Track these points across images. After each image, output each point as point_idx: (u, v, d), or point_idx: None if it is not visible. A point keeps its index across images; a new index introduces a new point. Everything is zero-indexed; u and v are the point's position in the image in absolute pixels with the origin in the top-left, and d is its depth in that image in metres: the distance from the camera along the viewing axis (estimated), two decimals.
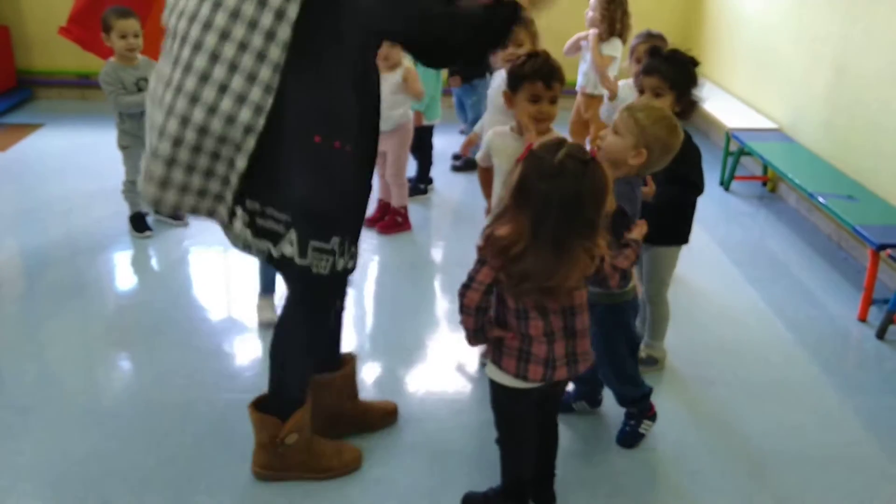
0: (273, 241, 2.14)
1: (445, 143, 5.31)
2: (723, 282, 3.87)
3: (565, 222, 1.90)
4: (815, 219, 4.55)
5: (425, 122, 4.67)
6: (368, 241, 4.12)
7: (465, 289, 2.02)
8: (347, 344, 3.23)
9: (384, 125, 4.16)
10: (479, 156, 2.93)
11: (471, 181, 4.64)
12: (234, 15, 1.97)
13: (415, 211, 4.45)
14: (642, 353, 3.08)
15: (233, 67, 1.98)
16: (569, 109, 4.85)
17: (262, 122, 2.01)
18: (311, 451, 2.43)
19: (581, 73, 4.83)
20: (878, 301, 3.54)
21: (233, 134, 2.02)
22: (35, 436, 2.60)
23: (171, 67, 2.06)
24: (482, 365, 2.95)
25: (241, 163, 2.05)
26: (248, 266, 3.86)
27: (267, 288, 3.43)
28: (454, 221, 4.51)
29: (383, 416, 2.71)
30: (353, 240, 2.24)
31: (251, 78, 1.99)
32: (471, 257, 2.03)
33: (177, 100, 2.02)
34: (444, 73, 5.02)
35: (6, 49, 6.31)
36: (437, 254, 3.93)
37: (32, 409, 2.73)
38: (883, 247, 3.43)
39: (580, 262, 1.96)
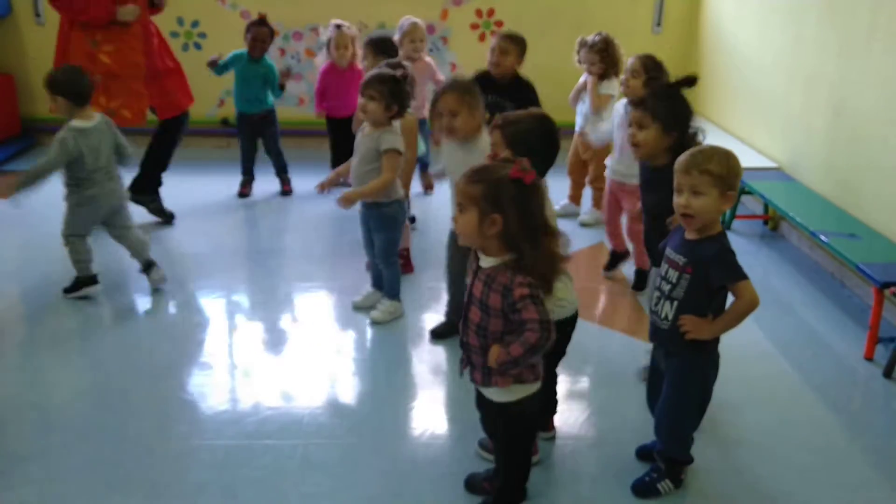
0: None
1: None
2: None
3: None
4: (817, 257, 4.54)
5: None
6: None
7: (547, 332, 2.06)
8: (355, 388, 3.22)
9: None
10: None
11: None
12: None
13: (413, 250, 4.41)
14: None
15: None
16: (566, 150, 4.87)
17: None
18: None
19: (580, 115, 4.87)
20: (885, 339, 3.51)
21: None
22: (37, 485, 2.57)
23: None
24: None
25: None
26: (252, 312, 3.86)
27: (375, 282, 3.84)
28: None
29: None
30: None
31: None
32: None
33: None
34: None
35: (10, 97, 6.37)
36: (440, 295, 3.92)
37: (33, 458, 2.70)
38: (887, 285, 3.42)
39: None
